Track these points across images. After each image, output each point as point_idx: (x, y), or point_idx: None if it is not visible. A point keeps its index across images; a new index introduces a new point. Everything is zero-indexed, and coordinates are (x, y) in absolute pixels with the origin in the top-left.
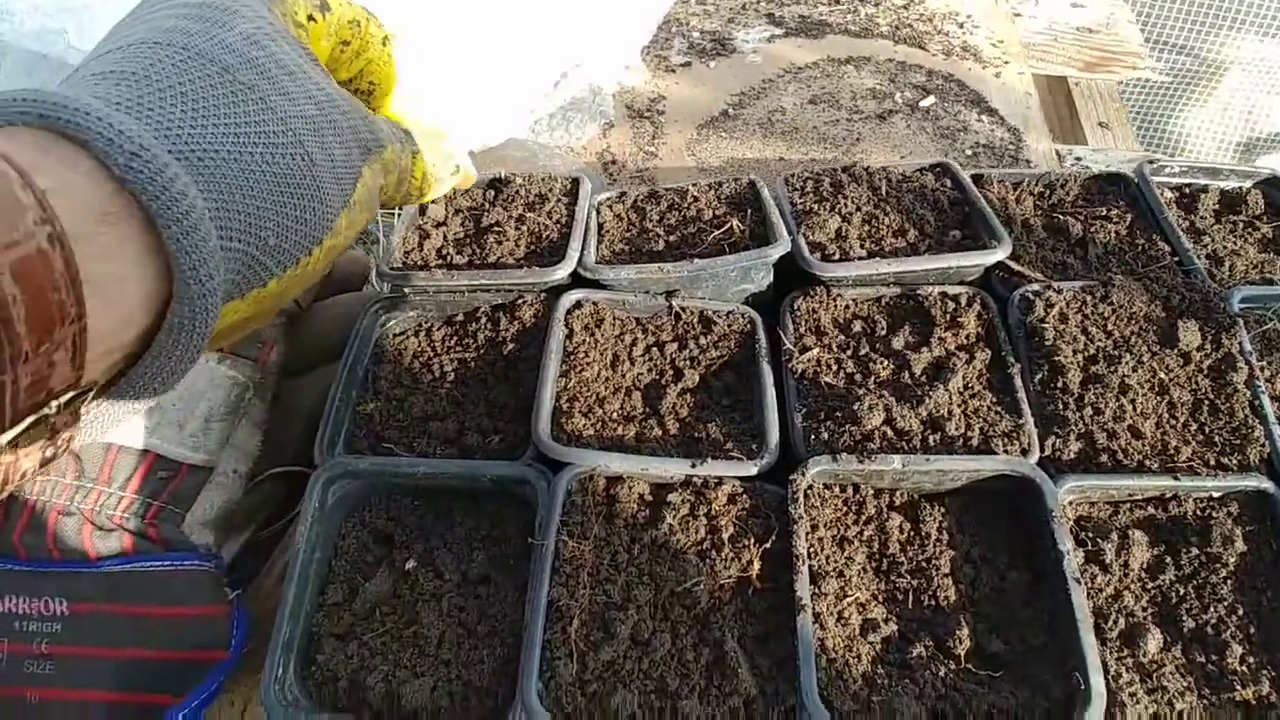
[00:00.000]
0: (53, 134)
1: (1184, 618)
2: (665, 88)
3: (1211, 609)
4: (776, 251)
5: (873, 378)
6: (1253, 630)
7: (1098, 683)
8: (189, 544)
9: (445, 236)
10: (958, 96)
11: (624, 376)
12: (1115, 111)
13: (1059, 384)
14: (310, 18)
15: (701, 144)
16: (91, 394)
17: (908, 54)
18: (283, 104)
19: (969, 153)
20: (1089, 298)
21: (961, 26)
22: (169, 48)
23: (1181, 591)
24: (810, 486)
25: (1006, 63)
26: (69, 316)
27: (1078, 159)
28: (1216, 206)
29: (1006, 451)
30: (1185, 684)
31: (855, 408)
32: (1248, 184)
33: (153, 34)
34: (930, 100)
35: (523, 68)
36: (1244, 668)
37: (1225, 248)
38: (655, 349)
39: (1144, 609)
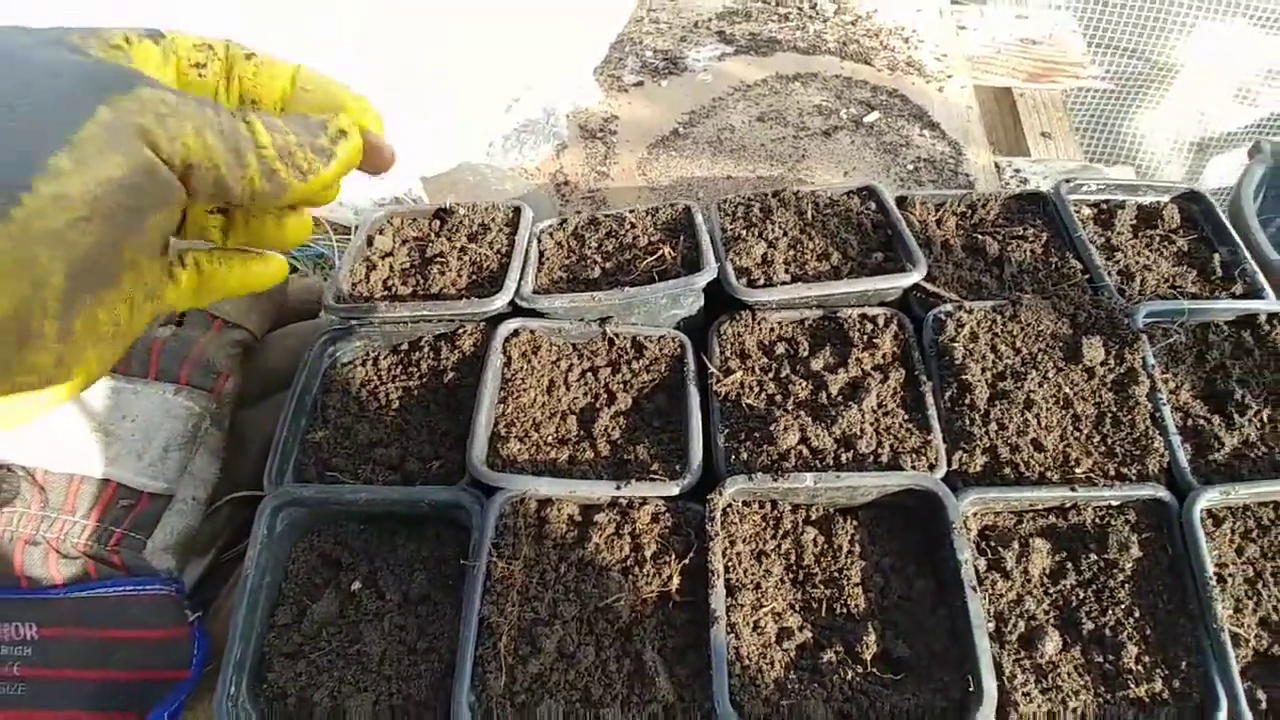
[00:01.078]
0: None
1: (1084, 620)
2: (618, 107)
3: (1110, 612)
4: (702, 279)
5: (792, 399)
6: (1148, 631)
7: (989, 684)
8: (150, 569)
9: (391, 267)
10: (901, 112)
11: (560, 401)
12: (1058, 121)
13: (967, 401)
14: (127, 40)
15: (652, 163)
16: None
17: (854, 70)
18: None
19: (910, 167)
20: (999, 317)
21: (907, 41)
22: None
23: (1081, 595)
24: (730, 505)
25: (950, 76)
26: None
27: (1016, 170)
28: (1134, 222)
29: (914, 467)
30: (1081, 683)
31: (772, 429)
32: (1165, 199)
33: None
34: (874, 116)
35: (476, 92)
36: (1139, 667)
37: (1138, 263)
38: (590, 374)
39: (1045, 613)
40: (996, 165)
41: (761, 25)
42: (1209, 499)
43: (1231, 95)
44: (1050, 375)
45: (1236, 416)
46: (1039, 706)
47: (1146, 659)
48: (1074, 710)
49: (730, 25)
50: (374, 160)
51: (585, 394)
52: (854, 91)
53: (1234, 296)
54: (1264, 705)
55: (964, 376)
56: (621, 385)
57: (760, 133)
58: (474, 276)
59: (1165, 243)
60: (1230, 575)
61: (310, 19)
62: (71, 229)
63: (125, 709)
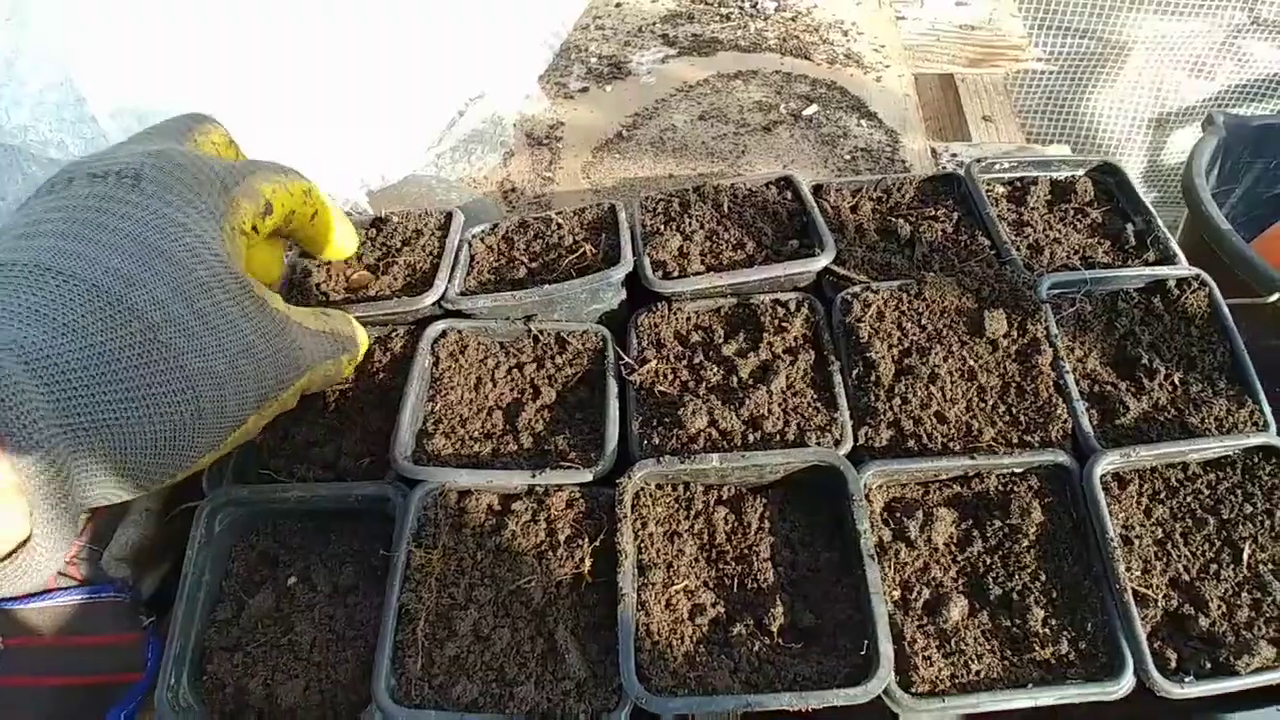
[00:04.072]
0: None
1: (991, 586)
2: (564, 114)
3: (1016, 576)
4: (619, 273)
5: (704, 384)
6: (1054, 594)
7: (886, 649)
8: (106, 578)
9: (328, 274)
10: (839, 103)
11: (486, 397)
12: (999, 105)
13: (873, 378)
14: (254, 228)
15: (596, 166)
16: None
17: (794, 65)
18: (194, 361)
19: (847, 157)
20: (905, 295)
21: (846, 34)
22: (104, 295)
23: (988, 562)
24: (643, 488)
25: (888, 66)
26: None
27: (953, 155)
28: (1049, 197)
29: (820, 444)
30: (987, 646)
31: (680, 413)
32: (1080, 173)
33: (94, 269)
34: (813, 109)
35: (421, 103)
36: (1045, 629)
37: (1048, 237)
38: (516, 370)
39: (952, 580)
40: (933, 151)
41: (704, 26)
42: (1110, 461)
43: (1187, 70)
44: (954, 350)
45: (1146, 381)
46: (940, 670)
47: (1053, 621)
48: (977, 672)
49: (674, 28)
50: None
51: (511, 389)
52: (793, 86)
53: (1146, 264)
54: (1174, 664)
55: (869, 355)
56: (546, 380)
57: (702, 131)
58: (407, 280)
59: (1079, 216)
60: (1138, 537)
61: (252, 36)
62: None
63: (83, 713)
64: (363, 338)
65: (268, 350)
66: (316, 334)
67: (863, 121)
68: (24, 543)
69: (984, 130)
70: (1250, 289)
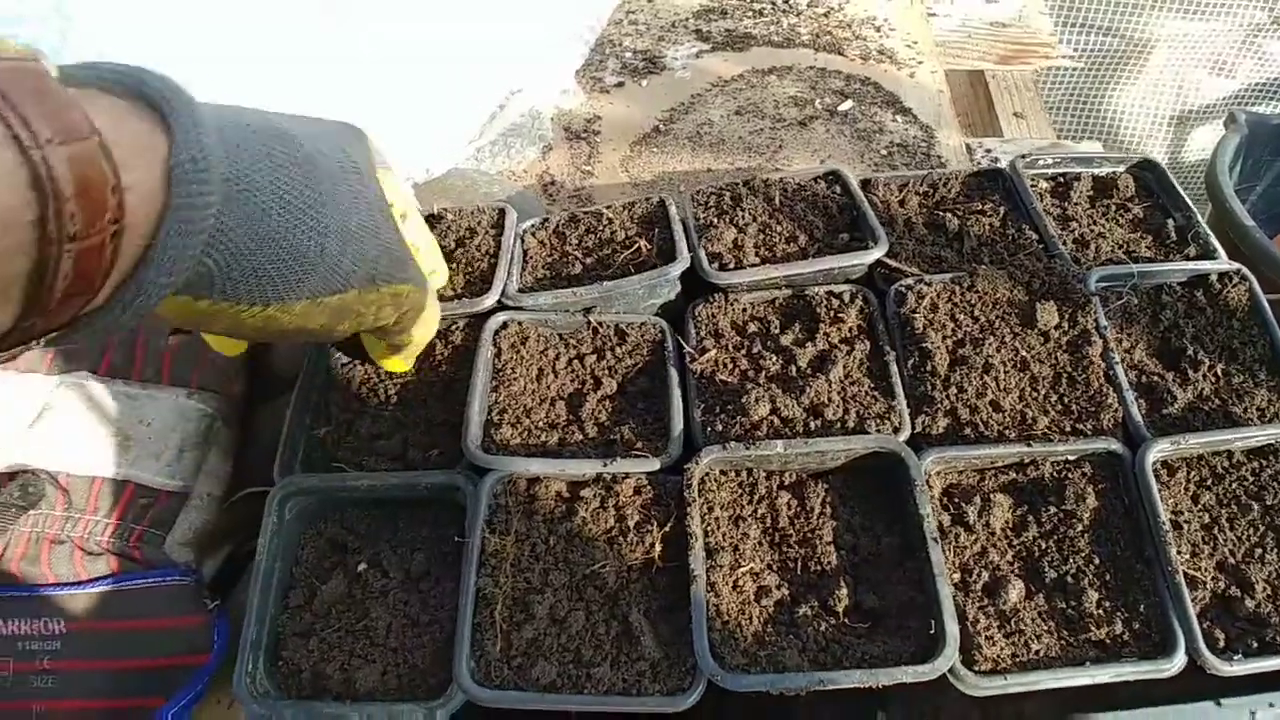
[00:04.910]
0: (154, 112)
1: (1046, 569)
2: (600, 108)
3: (1070, 560)
4: (676, 269)
5: (763, 373)
6: (1108, 577)
7: (952, 628)
8: (170, 562)
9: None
10: (874, 99)
11: (549, 388)
12: (1030, 101)
13: (928, 368)
14: (403, 215)
15: (635, 160)
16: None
17: (828, 61)
18: (333, 207)
19: (884, 152)
20: (957, 288)
21: (878, 30)
22: (278, 129)
23: (1043, 546)
24: (707, 474)
25: (921, 63)
26: (111, 212)
27: (988, 151)
28: (1091, 193)
29: (879, 431)
30: (1045, 627)
31: (744, 401)
32: (1120, 169)
33: (277, 115)
34: (848, 104)
35: (463, 98)
36: (1100, 611)
37: (1092, 231)
38: (576, 361)
39: (1009, 563)
40: (968, 146)
41: (737, 22)
42: (1160, 449)
43: (1208, 68)
44: (1007, 340)
45: (1190, 372)
46: (1002, 649)
47: (1107, 603)
48: (1036, 651)
49: (707, 23)
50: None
51: (573, 380)
52: (828, 82)
53: (1187, 259)
54: (1222, 643)
55: (924, 345)
56: (607, 371)
57: (738, 126)
58: (467, 277)
59: (1120, 211)
60: (1186, 522)
61: (298, 34)
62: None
63: (150, 694)
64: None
65: (388, 240)
66: (422, 275)
67: (898, 117)
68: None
69: (1015, 126)
70: (1275, 285)
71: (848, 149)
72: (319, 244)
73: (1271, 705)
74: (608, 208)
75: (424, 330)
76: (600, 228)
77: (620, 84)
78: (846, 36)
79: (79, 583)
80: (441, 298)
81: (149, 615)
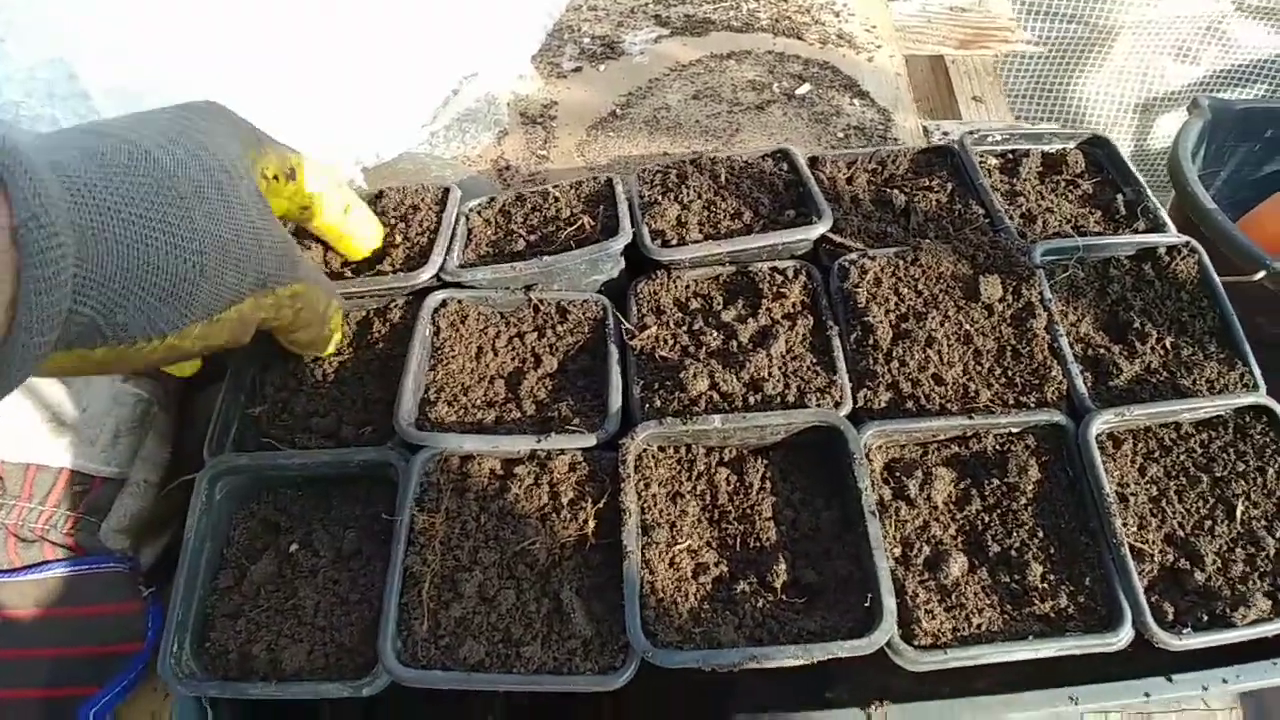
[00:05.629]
0: None
1: (989, 543)
2: (557, 93)
3: (1014, 534)
4: (618, 243)
5: (704, 349)
6: (1052, 550)
7: (889, 602)
8: (105, 549)
9: (324, 251)
10: (832, 83)
11: (488, 366)
12: (989, 85)
13: (871, 342)
14: (275, 177)
15: (591, 145)
16: None
17: (786, 45)
18: (203, 220)
19: (841, 135)
20: (901, 262)
21: (838, 15)
22: (131, 143)
23: (987, 520)
24: (645, 450)
25: (879, 47)
26: None
27: (945, 133)
28: (1040, 169)
29: (819, 405)
30: (987, 601)
31: (682, 376)
32: (1070, 145)
33: (136, 125)
34: (806, 88)
35: (415, 82)
36: (1044, 584)
37: (1040, 206)
38: (517, 339)
39: (952, 537)
40: (924, 129)
41: (696, 7)
42: (1105, 421)
43: (1173, 55)
44: (951, 314)
45: (1138, 345)
46: (942, 623)
47: (1051, 577)
48: (978, 626)
49: (666, 8)
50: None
51: (513, 358)
52: (786, 66)
53: (1136, 233)
54: (1171, 617)
55: (867, 319)
56: (547, 348)
57: (695, 110)
58: (406, 254)
59: (1070, 186)
60: (1133, 494)
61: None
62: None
63: (84, 684)
64: (338, 319)
65: (270, 241)
66: (313, 266)
67: (855, 100)
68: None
69: (974, 110)
70: (1237, 268)
71: (805, 132)
72: (196, 264)
73: (1225, 681)
74: (555, 186)
75: (327, 328)
76: (546, 206)
77: (578, 69)
78: (805, 21)
79: (12, 570)
80: (380, 273)
81: (84, 603)
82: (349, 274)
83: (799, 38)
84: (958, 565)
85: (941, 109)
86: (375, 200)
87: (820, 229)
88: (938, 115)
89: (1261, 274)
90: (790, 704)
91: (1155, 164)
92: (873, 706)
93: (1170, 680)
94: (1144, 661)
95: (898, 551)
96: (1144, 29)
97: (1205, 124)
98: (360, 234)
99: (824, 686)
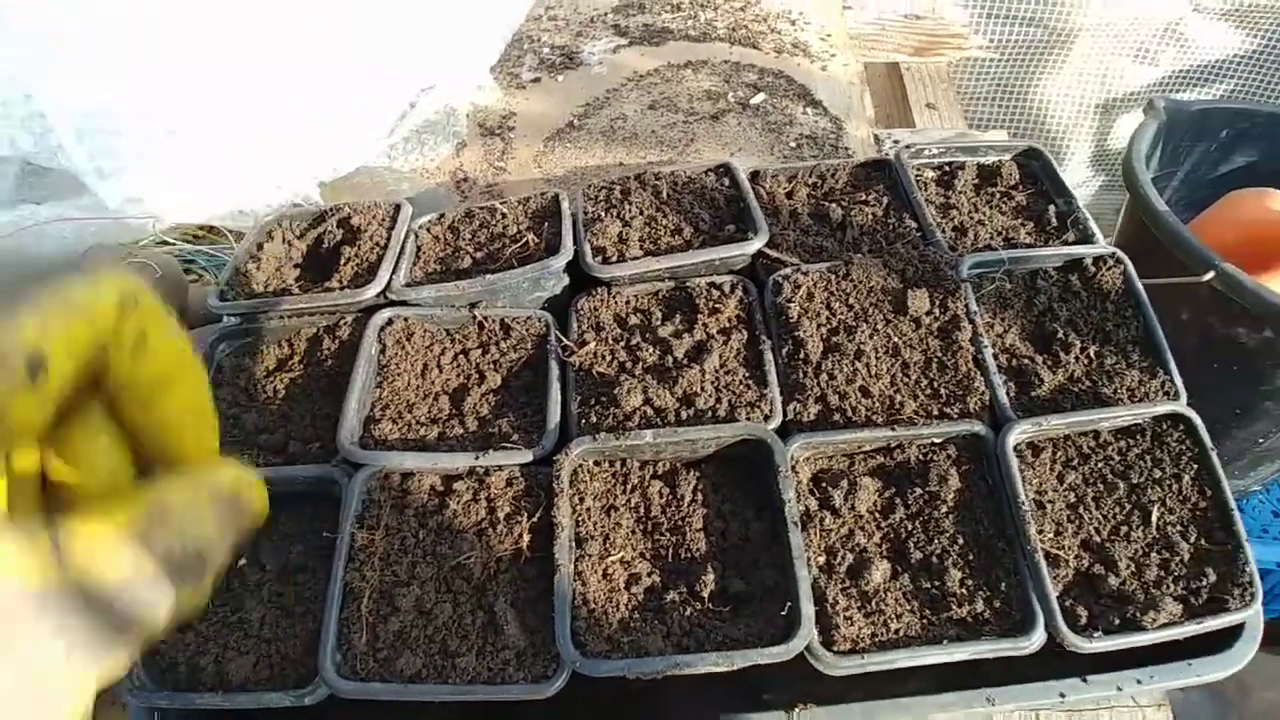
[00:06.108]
0: None
1: (912, 550)
2: (516, 104)
3: (935, 541)
4: (559, 261)
5: (640, 364)
6: (971, 557)
7: (807, 609)
8: None
9: (277, 268)
10: (786, 92)
11: (433, 383)
12: (943, 92)
13: (801, 356)
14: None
15: (548, 156)
16: None
17: (742, 54)
18: None
19: (793, 144)
20: (833, 276)
21: (794, 24)
22: None
23: (910, 527)
24: (580, 465)
25: (834, 55)
26: None
27: (896, 141)
28: (976, 180)
29: (749, 419)
30: (907, 607)
31: (615, 392)
32: (1005, 157)
33: None
34: (760, 97)
35: (372, 95)
36: (963, 590)
37: (973, 219)
38: (462, 356)
39: (876, 545)
40: (876, 137)
41: (655, 16)
42: (1022, 430)
43: (1131, 57)
44: (880, 327)
45: (1062, 355)
46: (861, 629)
47: (970, 582)
48: (896, 631)
49: (625, 18)
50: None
51: (457, 375)
52: (742, 75)
53: (1066, 244)
54: (1084, 620)
55: (798, 334)
56: (491, 365)
57: (651, 120)
58: (355, 270)
59: (1004, 198)
60: (1050, 501)
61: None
62: None
63: None
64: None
65: None
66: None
67: (809, 109)
68: None
69: (927, 117)
70: (1188, 269)
71: (758, 141)
72: None
73: (1139, 681)
74: (503, 203)
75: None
76: (494, 223)
77: (537, 79)
78: (762, 30)
79: None
80: (329, 290)
81: None
82: (297, 290)
83: (755, 47)
84: (880, 572)
85: (898, 116)
86: (329, 215)
87: (756, 244)
88: (894, 122)
89: (1210, 275)
90: (723, 708)
91: (1116, 166)
92: (796, 709)
93: (1085, 681)
94: (1072, 664)
95: (821, 560)
96: (1102, 31)
97: (1161, 125)
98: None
99: (761, 691)
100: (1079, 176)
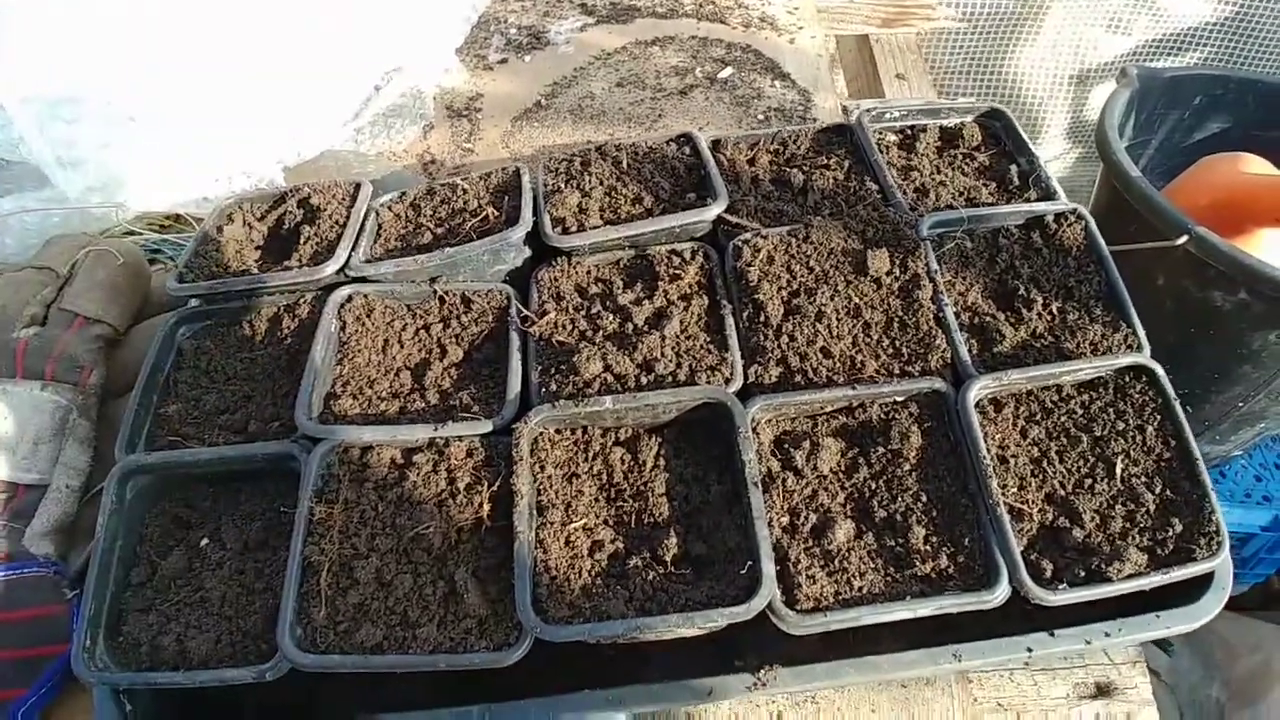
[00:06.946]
0: None
1: (876, 508)
2: (483, 85)
3: (899, 499)
4: (518, 233)
5: (600, 332)
6: (935, 514)
7: (768, 569)
8: (30, 554)
9: (237, 250)
10: (754, 65)
11: (394, 359)
12: (913, 63)
13: (762, 319)
14: None
15: (515, 136)
16: None
17: (710, 30)
18: None
19: (761, 117)
20: (793, 240)
21: None
22: None
23: (874, 486)
24: (541, 433)
25: (801, 28)
26: None
27: (866, 112)
28: (938, 143)
29: (710, 383)
30: (871, 565)
31: (575, 360)
32: (968, 119)
33: None
34: (728, 72)
35: (337, 79)
36: (926, 546)
37: (934, 180)
38: (423, 331)
39: (840, 505)
40: (844, 108)
41: None
42: (983, 386)
43: (1105, 26)
44: (840, 289)
45: (1024, 311)
46: (824, 587)
47: (933, 539)
48: (859, 589)
49: None
50: None
51: (419, 350)
52: (709, 50)
53: (1027, 202)
54: (1049, 574)
55: (758, 297)
56: (453, 339)
57: (619, 97)
58: (315, 249)
59: (967, 160)
60: (1013, 456)
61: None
62: None
63: (12, 686)
64: None
65: None
66: None
67: (776, 82)
68: None
69: (897, 88)
70: (1162, 234)
71: (726, 115)
72: None
73: (1107, 634)
74: (464, 179)
75: None
76: (455, 199)
77: (504, 60)
78: (729, 5)
79: None
80: (287, 268)
81: (10, 607)
82: (257, 271)
83: (722, 22)
84: (843, 531)
85: (868, 88)
86: (285, 198)
87: (715, 210)
88: (864, 94)
89: (1184, 239)
90: (697, 673)
91: (1092, 136)
92: (762, 670)
93: (1053, 635)
94: (1042, 621)
95: (785, 520)
96: (1075, 1)
97: (1134, 93)
98: None
99: (735, 656)
100: (1055, 149)
